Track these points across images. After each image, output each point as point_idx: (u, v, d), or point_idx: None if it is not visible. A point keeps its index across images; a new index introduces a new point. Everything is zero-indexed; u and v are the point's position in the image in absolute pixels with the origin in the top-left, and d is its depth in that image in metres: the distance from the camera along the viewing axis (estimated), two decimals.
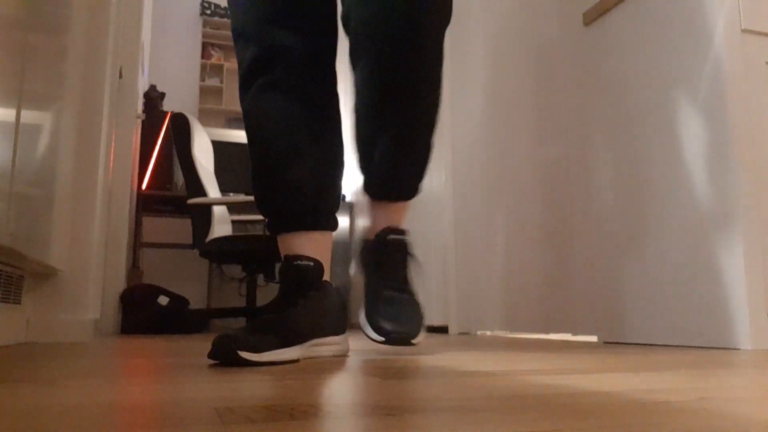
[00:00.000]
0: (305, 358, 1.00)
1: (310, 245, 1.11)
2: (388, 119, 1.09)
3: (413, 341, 1.03)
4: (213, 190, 3.27)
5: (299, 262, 1.05)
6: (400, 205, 1.18)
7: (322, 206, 1.14)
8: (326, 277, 1.11)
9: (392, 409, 0.45)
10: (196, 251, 4.04)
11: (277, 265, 4.40)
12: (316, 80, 1.14)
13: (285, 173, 1.11)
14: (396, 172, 1.14)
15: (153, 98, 3.98)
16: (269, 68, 1.11)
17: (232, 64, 4.72)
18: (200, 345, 1.53)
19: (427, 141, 1.13)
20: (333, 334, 1.07)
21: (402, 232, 1.14)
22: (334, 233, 1.17)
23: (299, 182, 1.11)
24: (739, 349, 1.26)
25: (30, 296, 1.72)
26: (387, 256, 1.12)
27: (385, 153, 1.12)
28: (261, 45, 1.11)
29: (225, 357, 0.87)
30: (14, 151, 1.16)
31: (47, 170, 1.52)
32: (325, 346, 1.05)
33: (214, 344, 0.88)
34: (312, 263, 1.05)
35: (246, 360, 0.87)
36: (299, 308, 1.00)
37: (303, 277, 1.04)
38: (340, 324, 1.09)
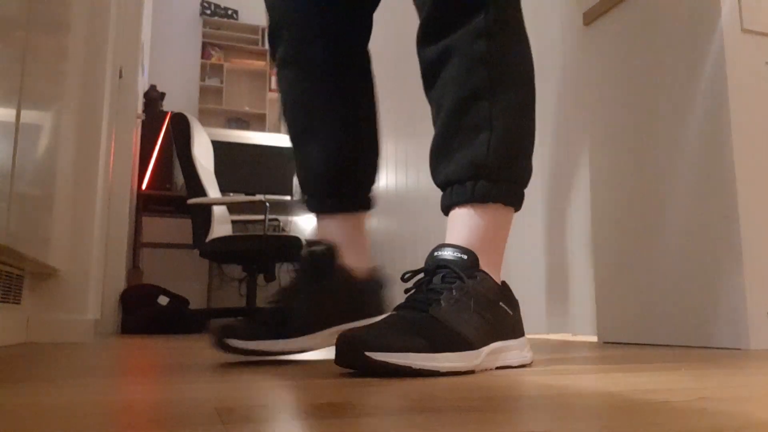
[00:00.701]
0: (306, 351, 0.98)
1: (332, 229, 1.05)
2: (437, 89, 0.93)
3: (368, 354, 0.69)
4: (213, 190, 3.27)
5: (312, 247, 1.00)
6: (464, 214, 0.87)
7: (343, 188, 1.06)
8: (357, 260, 1.03)
9: (392, 409, 0.45)
10: (196, 251, 4.05)
11: (278, 265, 4.41)
12: (332, 56, 1.06)
13: (301, 154, 1.07)
14: (440, 148, 0.91)
15: (153, 98, 3.99)
16: (279, 42, 1.07)
17: (232, 64, 4.72)
18: (200, 345, 1.53)
19: (478, 115, 0.87)
20: (343, 322, 0.99)
21: (456, 248, 0.83)
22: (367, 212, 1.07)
23: (315, 164, 1.06)
24: (739, 349, 1.26)
25: (30, 296, 1.72)
26: (425, 276, 0.84)
27: (438, 124, 0.92)
28: (271, 16, 1.07)
29: (217, 343, 0.87)
30: (14, 151, 1.16)
31: (47, 170, 1.52)
32: (333, 337, 0.98)
33: (210, 331, 0.88)
34: (324, 248, 0.99)
35: (232, 347, 0.86)
36: (301, 298, 0.96)
37: (313, 263, 0.99)
38: (354, 313, 0.99)
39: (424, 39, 0.93)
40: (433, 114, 0.95)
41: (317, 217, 1.08)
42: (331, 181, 1.07)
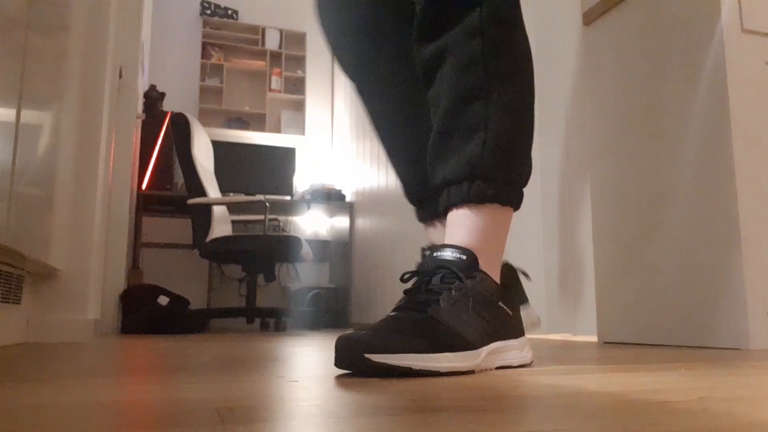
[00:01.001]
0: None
1: (436, 235, 1.07)
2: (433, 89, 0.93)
3: (368, 356, 0.69)
4: (213, 190, 3.27)
5: (425, 252, 1.01)
6: (461, 214, 0.87)
7: (428, 193, 1.05)
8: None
9: (392, 409, 0.45)
10: (196, 251, 4.04)
11: (278, 265, 4.41)
12: (392, 74, 1.06)
13: (395, 171, 1.11)
14: (437, 149, 0.91)
15: (153, 98, 3.99)
16: (343, 67, 1.09)
17: (232, 64, 4.72)
18: (200, 345, 1.53)
19: (474, 115, 0.87)
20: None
21: (455, 249, 0.83)
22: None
23: (402, 177, 1.09)
24: (739, 349, 1.26)
25: (30, 296, 1.72)
26: (422, 275, 0.83)
27: (434, 125, 0.93)
28: (329, 43, 1.09)
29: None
30: (14, 151, 1.16)
31: (47, 170, 1.52)
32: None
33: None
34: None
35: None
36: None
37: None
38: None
39: (420, 37, 0.94)
40: (431, 114, 0.95)
41: (425, 226, 1.10)
42: (418, 190, 1.08)
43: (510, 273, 1.02)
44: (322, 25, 1.11)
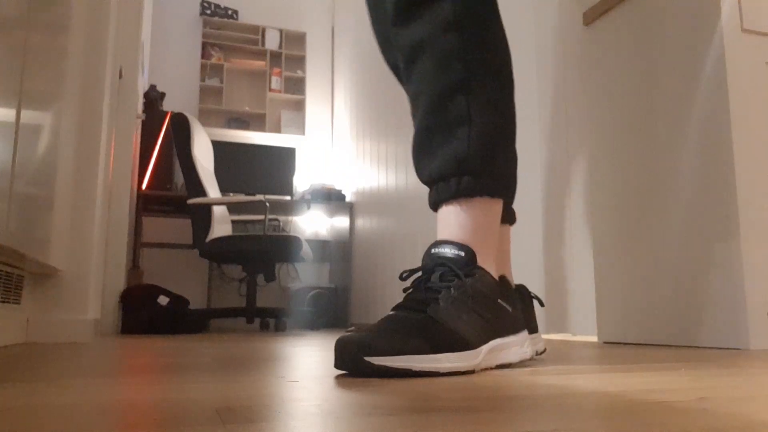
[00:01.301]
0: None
1: None
2: (413, 77, 0.93)
3: (368, 359, 0.69)
4: (213, 190, 3.27)
5: None
6: (452, 210, 0.88)
7: None
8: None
9: (392, 409, 0.45)
10: (196, 251, 4.05)
11: (278, 265, 4.42)
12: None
13: None
14: (422, 146, 0.91)
15: (153, 98, 3.99)
16: (397, 76, 1.12)
17: (232, 64, 4.72)
18: (200, 345, 1.53)
19: (456, 110, 0.87)
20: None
21: (453, 245, 0.83)
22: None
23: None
24: (739, 349, 1.26)
25: (30, 296, 1.72)
26: (423, 274, 0.83)
27: (417, 122, 0.93)
28: (382, 52, 1.12)
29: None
30: (14, 151, 1.16)
31: (47, 170, 1.52)
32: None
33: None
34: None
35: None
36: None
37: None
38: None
39: (396, 21, 0.93)
40: (411, 109, 0.94)
41: None
42: None
43: (525, 298, 1.02)
44: (378, 39, 1.12)
